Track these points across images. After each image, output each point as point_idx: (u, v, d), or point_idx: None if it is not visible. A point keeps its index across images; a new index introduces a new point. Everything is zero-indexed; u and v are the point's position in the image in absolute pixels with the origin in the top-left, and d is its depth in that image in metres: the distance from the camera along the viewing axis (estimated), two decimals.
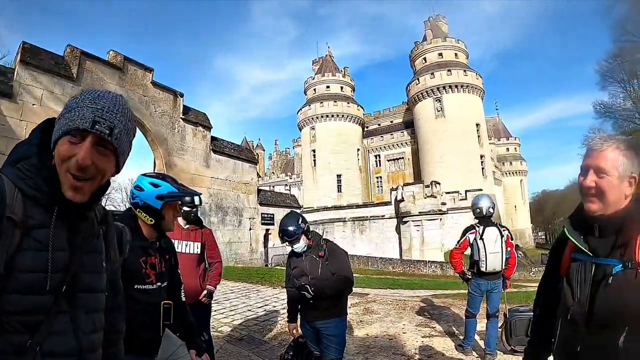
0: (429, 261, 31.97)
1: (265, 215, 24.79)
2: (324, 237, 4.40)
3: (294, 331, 4.32)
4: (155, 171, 7.65)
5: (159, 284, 2.57)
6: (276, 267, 22.11)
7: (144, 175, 2.58)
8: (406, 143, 65.99)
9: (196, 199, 4.51)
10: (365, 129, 70.89)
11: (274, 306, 9.70)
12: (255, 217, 23.61)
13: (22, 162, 1.24)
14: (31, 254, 1.16)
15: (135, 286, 2.43)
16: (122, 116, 1.26)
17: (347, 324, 4.25)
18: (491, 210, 5.96)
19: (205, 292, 4.82)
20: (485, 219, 5.92)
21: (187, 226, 4.68)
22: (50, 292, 1.18)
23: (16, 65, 14.15)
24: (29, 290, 1.14)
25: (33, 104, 13.68)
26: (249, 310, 9.32)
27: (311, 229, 4.28)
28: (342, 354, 4.12)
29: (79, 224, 1.31)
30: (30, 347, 1.14)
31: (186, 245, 4.59)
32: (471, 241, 5.86)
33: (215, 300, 5.13)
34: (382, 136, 69.57)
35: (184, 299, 2.91)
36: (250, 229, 23.03)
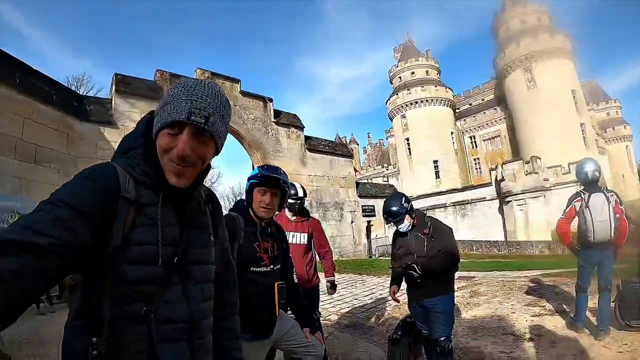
0: (535, 241, 30.72)
1: (366, 207, 24.90)
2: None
3: (395, 293, 4.35)
4: None
5: (272, 266, 2.82)
6: (380, 257, 22.16)
7: None
8: (500, 120, 63.12)
9: (299, 190, 4.74)
10: (457, 111, 68.51)
11: (380, 294, 9.80)
12: (356, 209, 23.89)
13: (131, 152, 1.37)
14: (144, 229, 1.27)
15: (251, 269, 2.71)
16: (215, 103, 1.32)
17: (454, 302, 4.24)
18: (597, 174, 5.58)
19: (328, 284, 5.08)
20: (591, 185, 5.58)
21: (294, 218, 4.88)
22: (163, 264, 1.29)
23: (112, 96, 15.59)
24: (142, 261, 1.25)
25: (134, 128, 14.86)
26: (356, 299, 9.49)
27: (415, 208, 4.29)
28: (451, 331, 4.09)
29: (186, 203, 1.42)
30: (145, 315, 1.24)
31: (293, 236, 4.74)
32: (577, 209, 5.57)
33: (322, 291, 5.37)
34: (474, 116, 67.01)
35: (296, 280, 3.16)
36: (352, 222, 23.35)
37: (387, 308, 8.23)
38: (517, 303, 7.61)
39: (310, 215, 5.21)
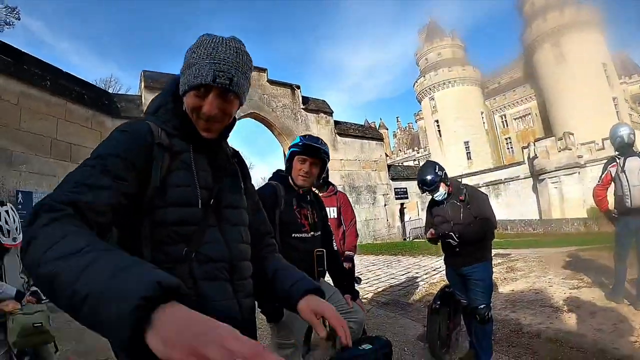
0: (571, 219, 30.14)
1: (399, 190, 24.79)
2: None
3: (432, 233, 4.24)
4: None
5: (312, 233, 2.91)
6: (414, 240, 22.13)
7: None
8: (530, 97, 60.97)
9: None
10: (485, 90, 66.77)
11: (417, 273, 9.90)
12: (388, 192, 23.84)
13: (161, 109, 1.44)
14: (179, 172, 1.34)
15: (293, 235, 2.80)
16: (237, 62, 1.36)
17: (492, 270, 4.23)
18: (632, 137, 5.51)
19: (347, 256, 4.93)
20: (626, 149, 5.49)
21: (322, 193, 4.89)
22: (202, 205, 1.34)
23: (142, 92, 16.06)
24: (181, 203, 1.30)
25: None
26: (392, 278, 9.58)
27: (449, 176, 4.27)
28: (490, 299, 4.09)
29: (217, 152, 1.50)
30: (186, 255, 1.28)
31: None
32: (613, 175, 5.50)
33: (358, 271, 5.39)
34: (504, 94, 64.86)
35: (335, 248, 3.24)
36: (385, 205, 23.32)
37: (424, 285, 8.33)
38: (555, 277, 7.63)
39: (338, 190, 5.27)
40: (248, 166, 1.78)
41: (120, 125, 1.35)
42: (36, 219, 0.97)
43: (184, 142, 1.40)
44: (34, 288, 3.89)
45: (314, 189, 4.91)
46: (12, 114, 10.46)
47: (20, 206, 9.66)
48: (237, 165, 1.64)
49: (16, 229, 3.77)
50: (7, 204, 3.94)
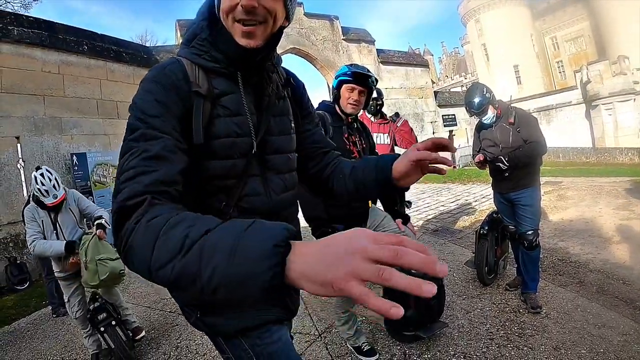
0: (625, 148, 29.04)
1: (447, 117, 24.30)
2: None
3: (480, 159, 4.12)
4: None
5: None
6: (464, 167, 22.00)
7: None
8: (582, 18, 55.41)
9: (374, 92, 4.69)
10: (534, 10, 61.14)
11: (466, 200, 10.05)
12: (436, 119, 23.50)
13: (195, 40, 1.26)
14: (222, 121, 1.22)
15: None
16: None
17: (540, 196, 4.17)
18: None
19: None
20: None
21: (375, 120, 5.00)
22: (242, 156, 1.26)
23: (179, 42, 16.28)
24: (223, 155, 1.22)
25: None
26: (442, 206, 9.75)
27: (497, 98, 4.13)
28: (538, 224, 4.06)
29: (264, 87, 1.34)
30: (224, 209, 1.25)
31: (377, 137, 4.85)
32: None
33: (408, 199, 5.52)
34: (553, 14, 59.60)
35: None
36: (433, 133, 22.96)
37: (474, 213, 8.44)
38: (606, 207, 7.59)
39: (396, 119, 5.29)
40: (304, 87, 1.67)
41: (150, 71, 1.19)
42: (122, 225, 0.90)
43: (225, 79, 1.27)
44: (98, 222, 4.12)
45: (372, 118, 5.02)
46: (56, 83, 10.99)
47: (76, 167, 10.45)
48: (290, 97, 1.51)
49: (54, 186, 4.03)
50: (42, 167, 4.18)
